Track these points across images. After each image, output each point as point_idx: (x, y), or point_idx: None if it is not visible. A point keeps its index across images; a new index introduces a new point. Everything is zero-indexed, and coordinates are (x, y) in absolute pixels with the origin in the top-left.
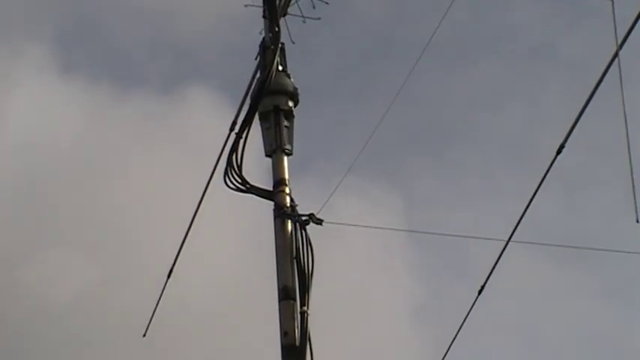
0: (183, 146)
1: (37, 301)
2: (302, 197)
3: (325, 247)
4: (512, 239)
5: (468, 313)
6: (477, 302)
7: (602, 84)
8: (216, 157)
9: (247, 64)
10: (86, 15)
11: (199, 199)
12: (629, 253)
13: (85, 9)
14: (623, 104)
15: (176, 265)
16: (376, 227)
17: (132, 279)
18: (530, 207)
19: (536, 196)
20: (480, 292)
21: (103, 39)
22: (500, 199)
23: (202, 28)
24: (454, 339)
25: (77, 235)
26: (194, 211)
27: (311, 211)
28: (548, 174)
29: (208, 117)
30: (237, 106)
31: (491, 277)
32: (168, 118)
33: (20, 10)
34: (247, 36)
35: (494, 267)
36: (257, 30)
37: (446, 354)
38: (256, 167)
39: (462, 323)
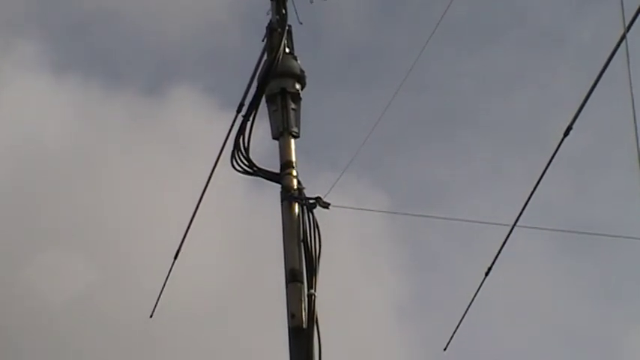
0: (171, 145)
1: (36, 301)
2: (309, 181)
3: (330, 230)
4: (518, 224)
5: (475, 294)
6: (484, 284)
7: (611, 68)
8: (209, 151)
9: (233, 67)
10: (79, 14)
11: (205, 181)
12: (637, 239)
13: (79, 7)
14: (631, 87)
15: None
16: (382, 211)
17: (129, 278)
18: (539, 192)
19: (544, 181)
20: (486, 274)
21: (93, 38)
22: (509, 184)
23: (189, 32)
24: (462, 319)
25: (73, 234)
26: (200, 193)
27: (318, 195)
28: (557, 159)
29: (195, 116)
30: (228, 106)
31: (499, 262)
32: (156, 117)
33: (9, 8)
34: (234, 40)
35: (500, 249)
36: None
37: (453, 334)
38: (263, 150)
39: (470, 304)
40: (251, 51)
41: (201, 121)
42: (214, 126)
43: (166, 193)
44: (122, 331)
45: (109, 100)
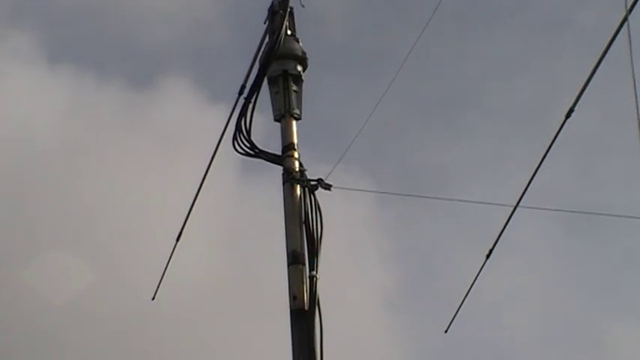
0: (162, 135)
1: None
2: (310, 164)
3: (331, 212)
4: (521, 205)
5: (477, 277)
6: (486, 267)
7: (614, 50)
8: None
9: (221, 61)
10: (71, 6)
11: (208, 164)
12: (636, 218)
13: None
14: (633, 70)
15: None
16: (384, 192)
17: (127, 267)
18: (542, 175)
19: (548, 164)
20: (487, 256)
21: (85, 31)
22: (512, 166)
23: (177, 28)
24: (462, 302)
25: (64, 226)
26: (202, 176)
27: (319, 176)
28: (560, 142)
29: (185, 108)
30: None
31: (502, 244)
32: (147, 109)
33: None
34: (221, 35)
35: (502, 231)
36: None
37: (454, 316)
38: (265, 132)
39: (471, 286)
40: (238, 46)
41: (192, 113)
42: (205, 118)
43: (160, 182)
44: (123, 319)
45: (101, 91)
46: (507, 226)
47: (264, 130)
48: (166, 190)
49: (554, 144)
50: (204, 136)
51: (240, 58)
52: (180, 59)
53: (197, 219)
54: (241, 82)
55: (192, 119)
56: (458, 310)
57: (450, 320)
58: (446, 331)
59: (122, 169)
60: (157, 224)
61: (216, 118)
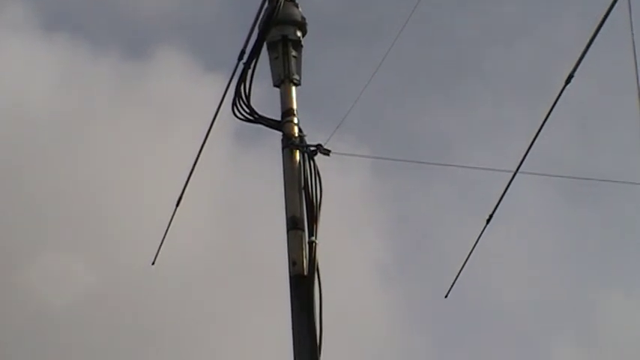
0: (157, 105)
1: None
2: (308, 130)
3: (329, 180)
4: (520, 171)
5: (477, 242)
6: (485, 232)
7: (613, 17)
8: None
9: (218, 30)
10: None
11: (207, 130)
12: (636, 184)
13: None
14: (632, 37)
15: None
16: (385, 158)
17: (127, 232)
18: (542, 141)
19: (548, 131)
20: (488, 221)
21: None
22: (512, 133)
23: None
24: (463, 266)
25: (60, 201)
26: (201, 143)
27: (319, 142)
28: (561, 108)
29: (181, 78)
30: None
31: (502, 209)
32: (142, 79)
33: None
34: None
35: (502, 196)
36: None
37: (454, 281)
38: (264, 99)
39: (470, 251)
40: (234, 15)
41: (188, 82)
42: (201, 87)
43: (158, 151)
44: (124, 286)
45: (96, 61)
46: (507, 192)
47: (264, 98)
48: (164, 158)
49: (554, 110)
50: (201, 105)
51: (236, 27)
52: (176, 29)
53: (196, 186)
54: (238, 51)
55: (188, 88)
56: (458, 274)
57: (450, 285)
58: (446, 296)
59: (118, 139)
60: (155, 191)
61: (213, 87)
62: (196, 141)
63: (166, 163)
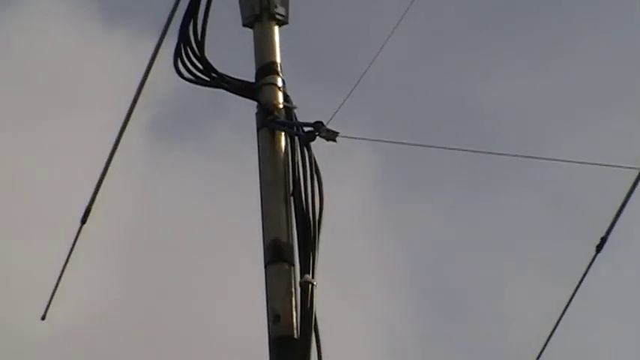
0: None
1: None
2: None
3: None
4: None
5: (581, 280)
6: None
7: None
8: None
9: None
10: None
11: (126, 113)
12: None
13: None
14: None
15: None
16: (400, 142)
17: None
18: None
19: None
20: (598, 248)
21: None
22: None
23: None
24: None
25: None
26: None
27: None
28: None
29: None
30: None
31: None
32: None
33: None
34: None
35: (621, 208)
36: None
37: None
38: (228, 46)
39: (570, 300)
40: None
41: (77, 39)
42: (99, 46)
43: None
44: None
45: None
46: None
47: (227, 46)
48: (47, 162)
49: None
50: (102, 74)
51: None
52: None
53: (105, 197)
54: None
55: (78, 48)
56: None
57: None
58: None
59: None
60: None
61: (119, 44)
62: (101, 132)
63: (51, 172)
